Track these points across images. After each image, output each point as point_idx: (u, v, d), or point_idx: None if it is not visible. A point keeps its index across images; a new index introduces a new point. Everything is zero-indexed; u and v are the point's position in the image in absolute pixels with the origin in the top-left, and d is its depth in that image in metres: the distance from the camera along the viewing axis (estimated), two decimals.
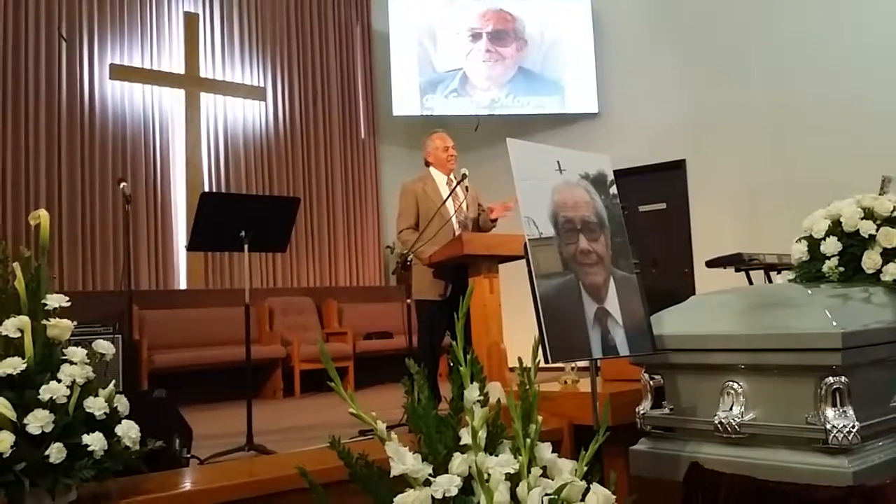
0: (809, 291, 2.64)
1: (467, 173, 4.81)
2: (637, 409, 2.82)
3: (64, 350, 2.19)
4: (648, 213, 8.87)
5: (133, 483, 2.37)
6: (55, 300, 2.23)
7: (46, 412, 2.03)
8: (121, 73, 8.07)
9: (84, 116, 7.78)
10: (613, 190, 2.76)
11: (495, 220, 5.00)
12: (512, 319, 4.70)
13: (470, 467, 1.68)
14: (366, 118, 10.17)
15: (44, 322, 2.18)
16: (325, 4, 9.89)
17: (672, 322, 2.75)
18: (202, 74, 8.70)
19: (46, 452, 2.01)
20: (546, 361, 2.18)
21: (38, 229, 2.36)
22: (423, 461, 1.70)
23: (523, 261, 2.41)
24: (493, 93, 9.63)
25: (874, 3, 7.53)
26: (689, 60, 8.65)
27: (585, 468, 1.78)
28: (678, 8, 8.81)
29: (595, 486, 1.75)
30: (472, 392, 1.78)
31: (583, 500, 1.74)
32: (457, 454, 1.71)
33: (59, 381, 2.09)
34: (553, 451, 1.81)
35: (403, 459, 1.67)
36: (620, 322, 2.54)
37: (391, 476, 1.68)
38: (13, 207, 7.16)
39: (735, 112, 8.26)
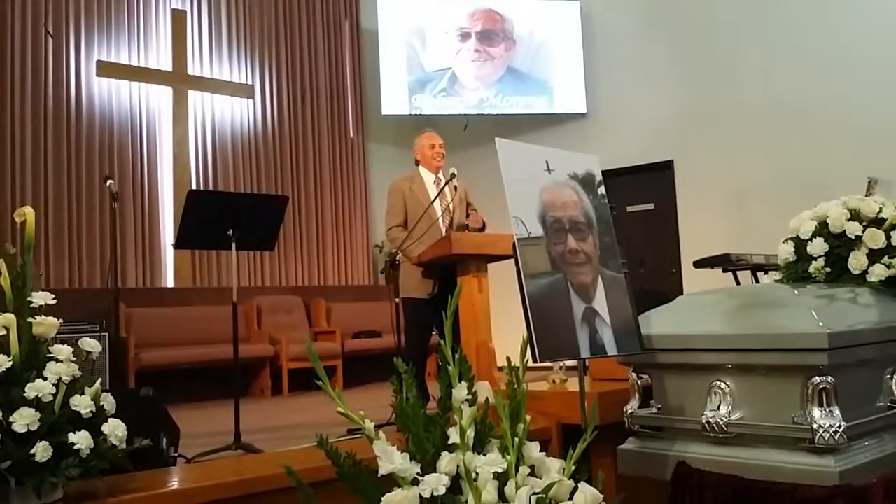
0: (796, 292, 2.65)
1: (456, 173, 4.82)
2: (625, 409, 2.83)
3: (50, 348, 2.18)
4: (637, 214, 8.90)
5: (120, 482, 2.35)
6: (41, 297, 2.22)
7: (32, 410, 2.02)
8: (108, 69, 8.03)
9: (71, 113, 7.74)
10: (602, 190, 2.77)
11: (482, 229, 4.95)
12: (500, 319, 4.70)
13: (458, 466, 1.68)
14: (354, 117, 10.16)
15: (29, 319, 2.17)
16: (313, 2, 9.87)
17: (660, 322, 2.76)
18: (190, 72, 8.67)
19: (32, 451, 1.99)
20: (534, 361, 2.18)
21: (24, 226, 2.34)
22: (411, 460, 1.70)
23: (512, 260, 2.41)
24: (481, 92, 9.64)
25: (863, 5, 7.57)
26: (677, 61, 8.68)
27: (573, 467, 1.79)
28: (667, 9, 8.84)
29: (583, 485, 1.76)
30: (460, 391, 1.78)
31: (571, 499, 1.74)
32: (445, 453, 1.71)
33: (45, 379, 2.08)
34: (541, 451, 1.81)
35: (391, 458, 1.67)
36: (608, 322, 2.55)
37: (379, 475, 1.68)
38: None
39: (723, 113, 8.30)
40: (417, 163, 5.09)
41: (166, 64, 8.52)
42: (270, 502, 2.46)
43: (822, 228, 2.93)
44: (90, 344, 2.27)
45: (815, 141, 7.58)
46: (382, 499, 1.64)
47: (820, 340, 2.30)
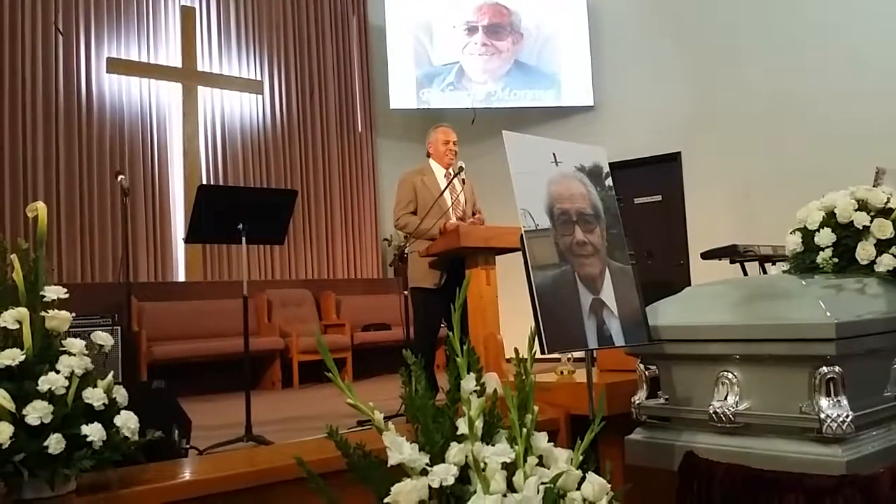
0: (804, 282, 2.66)
1: (464, 166, 4.83)
2: (632, 399, 2.84)
3: (63, 341, 2.20)
4: (644, 205, 8.89)
5: (132, 473, 2.38)
6: (53, 292, 2.24)
7: (45, 403, 2.04)
8: (118, 66, 8.06)
9: (81, 110, 7.77)
10: (609, 182, 2.78)
11: None
12: (508, 311, 4.72)
13: (467, 457, 1.70)
14: (362, 111, 10.16)
15: (42, 314, 2.19)
16: None
17: (667, 313, 2.76)
18: (199, 68, 8.69)
19: (45, 443, 2.02)
20: (542, 352, 2.20)
21: (36, 222, 2.37)
22: (420, 451, 1.72)
23: (519, 252, 2.42)
24: (489, 86, 9.63)
25: None
26: (684, 53, 8.65)
27: (581, 457, 1.80)
28: (673, 2, 8.80)
29: (591, 476, 1.77)
30: (468, 382, 1.79)
31: (579, 489, 1.75)
32: (454, 444, 1.72)
33: (57, 372, 2.10)
34: (549, 441, 1.82)
35: (401, 449, 1.68)
36: (616, 313, 2.56)
37: (388, 466, 1.69)
38: (11, 200, 7.16)
39: (730, 104, 8.26)
40: (429, 155, 5.09)
41: (176, 60, 8.54)
42: (281, 493, 2.48)
43: (830, 219, 2.93)
44: (103, 337, 2.29)
45: (823, 131, 7.55)
46: (392, 489, 1.65)
47: (827, 330, 2.30)
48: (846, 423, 2.29)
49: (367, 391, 5.96)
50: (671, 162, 8.74)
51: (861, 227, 2.85)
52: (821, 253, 2.92)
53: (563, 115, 9.48)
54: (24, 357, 2.09)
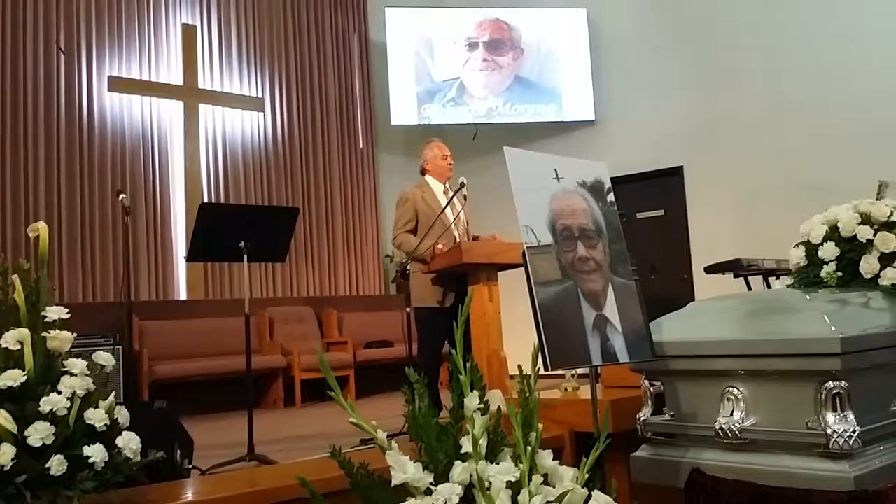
0: (808, 297, 2.65)
1: (465, 182, 4.82)
2: (638, 416, 2.83)
3: (64, 362, 2.19)
4: (646, 220, 8.88)
5: (134, 494, 2.37)
6: (55, 312, 2.23)
7: (47, 424, 2.04)
8: (119, 85, 8.08)
9: (83, 128, 7.79)
10: (611, 197, 2.77)
11: None
12: (512, 327, 4.70)
13: (471, 476, 1.68)
14: (364, 127, 10.19)
15: (44, 334, 2.19)
16: (322, 15, 9.92)
17: (671, 328, 2.75)
18: (200, 86, 8.71)
19: (47, 465, 2.01)
20: (546, 369, 2.18)
21: (38, 241, 2.36)
22: (424, 470, 1.71)
23: (522, 269, 2.42)
24: (490, 101, 9.65)
25: (872, 5, 7.55)
26: (685, 67, 8.67)
27: (587, 475, 1.79)
28: (674, 15, 8.84)
29: (596, 494, 1.76)
30: (472, 400, 1.78)
31: None
32: (458, 463, 1.71)
33: (59, 392, 2.10)
34: (554, 459, 1.81)
35: (404, 468, 1.67)
36: (620, 329, 2.55)
37: (392, 485, 1.68)
38: (13, 219, 7.17)
39: (732, 118, 8.27)
40: (423, 172, 5.08)
41: (177, 78, 8.57)
42: None
43: (834, 232, 2.93)
44: (104, 357, 2.28)
45: (825, 145, 7.55)
46: None
47: (833, 345, 2.29)
48: (853, 439, 2.27)
49: (369, 409, 5.94)
50: (673, 176, 8.74)
51: (864, 241, 2.84)
52: (824, 267, 2.92)
53: (565, 129, 9.50)
54: (25, 378, 2.08)
